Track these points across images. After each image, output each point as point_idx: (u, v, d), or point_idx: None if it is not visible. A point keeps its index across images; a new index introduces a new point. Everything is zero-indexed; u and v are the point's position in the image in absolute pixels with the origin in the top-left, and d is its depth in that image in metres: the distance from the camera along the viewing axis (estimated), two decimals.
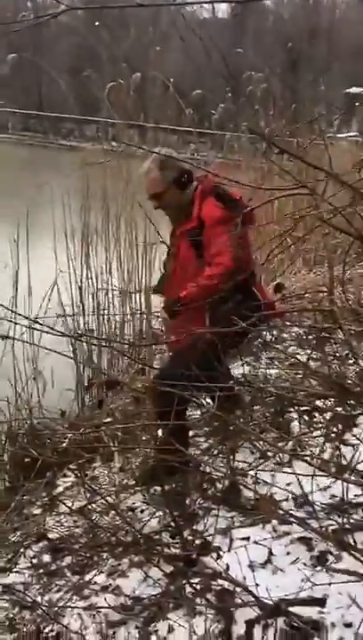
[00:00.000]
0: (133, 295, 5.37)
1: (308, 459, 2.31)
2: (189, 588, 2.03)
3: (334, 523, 2.14)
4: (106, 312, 5.12)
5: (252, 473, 2.54)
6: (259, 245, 3.52)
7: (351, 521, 2.13)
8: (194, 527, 2.42)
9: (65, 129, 30.20)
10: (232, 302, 2.58)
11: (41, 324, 2.61)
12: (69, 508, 2.81)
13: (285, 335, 4.55)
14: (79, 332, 4.73)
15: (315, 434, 2.77)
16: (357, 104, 19.29)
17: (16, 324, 3.36)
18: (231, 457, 2.67)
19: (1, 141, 26.01)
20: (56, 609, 2.19)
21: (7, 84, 32.03)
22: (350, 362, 3.32)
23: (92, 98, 6.95)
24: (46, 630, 2.09)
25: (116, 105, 6.28)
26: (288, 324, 4.28)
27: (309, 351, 3.50)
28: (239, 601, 1.90)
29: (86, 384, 4.50)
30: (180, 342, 2.72)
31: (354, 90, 23.03)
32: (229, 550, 2.21)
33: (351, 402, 2.12)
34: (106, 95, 6.54)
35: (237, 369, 3.55)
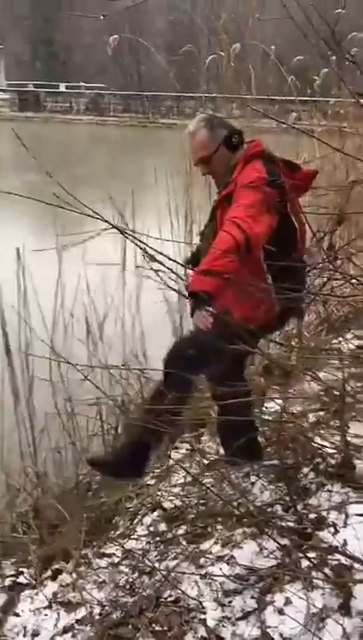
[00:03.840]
0: None
1: None
2: (305, 562, 2.02)
3: None
4: None
5: None
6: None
7: None
8: (307, 501, 2.41)
9: (164, 107, 30.42)
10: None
11: None
12: (185, 477, 2.88)
13: None
14: None
15: None
16: None
17: None
18: (345, 430, 2.61)
19: (102, 124, 26.62)
20: (173, 575, 2.26)
21: (107, 66, 32.65)
22: None
23: (192, 74, 6.89)
24: (165, 595, 2.16)
25: (216, 78, 6.21)
26: None
27: None
28: (358, 577, 1.87)
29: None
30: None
31: None
32: (344, 526, 2.17)
33: None
34: (205, 69, 6.47)
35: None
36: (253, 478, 2.76)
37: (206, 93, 6.89)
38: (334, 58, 3.97)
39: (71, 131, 27.59)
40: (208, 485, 2.72)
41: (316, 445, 2.62)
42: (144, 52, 31.47)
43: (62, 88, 35.31)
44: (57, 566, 2.54)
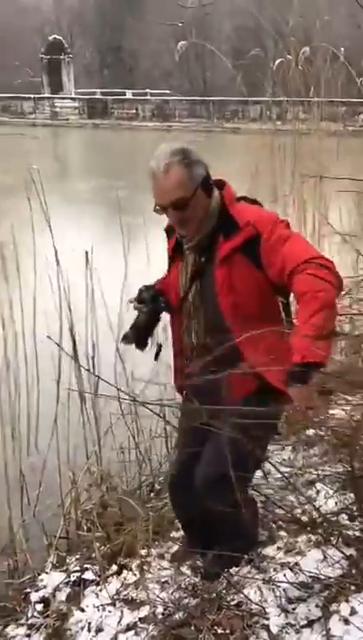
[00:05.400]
0: None
1: None
2: None
3: None
4: None
5: None
6: None
7: None
8: None
9: (229, 112, 30.45)
10: None
11: None
12: None
13: None
14: None
15: None
16: None
17: None
18: None
19: (168, 129, 26.90)
20: (236, 579, 2.26)
21: (172, 72, 32.99)
22: None
23: (257, 78, 6.89)
24: (228, 599, 2.16)
25: (283, 82, 6.18)
26: None
27: None
28: None
29: None
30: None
31: None
32: None
33: None
34: (272, 73, 6.44)
35: None
36: (318, 486, 2.73)
37: (272, 97, 6.87)
38: None
39: (137, 137, 28.05)
40: (269, 493, 2.70)
41: None
42: (210, 56, 31.63)
43: (128, 95, 35.90)
44: (122, 563, 2.57)
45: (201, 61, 36.62)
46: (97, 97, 36.18)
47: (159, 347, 2.28)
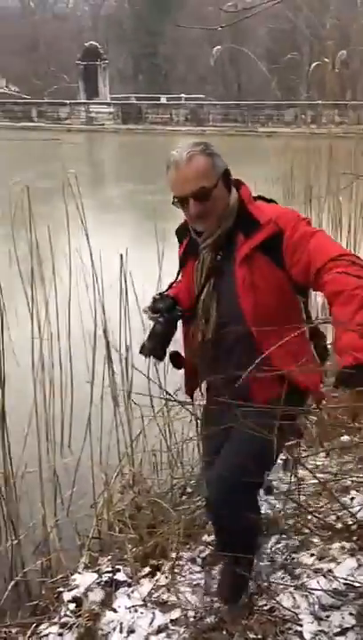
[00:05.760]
0: None
1: None
2: None
3: None
4: None
5: None
6: None
7: None
8: None
9: (263, 116, 30.34)
10: None
11: None
12: (276, 488, 2.86)
13: None
14: None
15: None
16: None
17: None
18: None
19: (202, 133, 26.90)
20: (268, 584, 2.24)
21: (206, 77, 33.05)
22: None
23: (293, 81, 6.86)
24: (260, 604, 2.15)
25: (319, 85, 6.15)
26: None
27: None
28: None
29: None
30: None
31: None
32: None
33: None
34: (308, 76, 6.42)
35: None
36: (352, 493, 2.69)
37: (308, 101, 6.84)
38: None
39: (171, 141, 28.19)
40: (302, 499, 2.68)
41: None
42: (245, 60, 31.57)
43: (163, 100, 36.06)
44: (154, 564, 2.58)
45: (236, 65, 36.57)
46: (131, 102, 36.47)
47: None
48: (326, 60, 5.40)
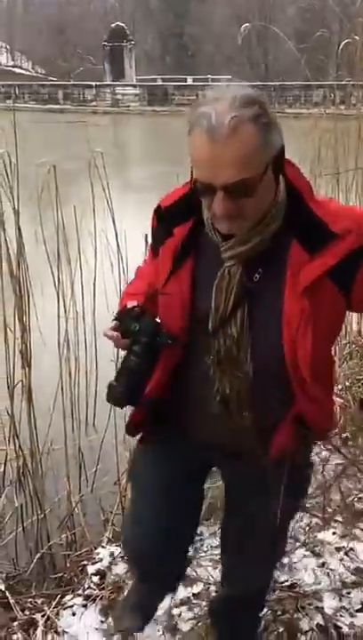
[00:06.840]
0: None
1: None
2: None
3: None
4: None
5: None
6: None
7: None
8: None
9: (291, 97, 29.94)
10: None
11: None
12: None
13: None
14: None
15: None
16: None
17: None
18: None
19: None
20: (289, 561, 2.26)
21: (233, 57, 32.68)
22: None
23: (322, 61, 6.73)
24: (281, 580, 2.17)
25: (349, 64, 6.02)
26: None
27: None
28: None
29: None
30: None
31: None
32: None
33: None
34: (337, 55, 6.29)
35: None
36: None
37: (337, 81, 6.71)
38: None
39: None
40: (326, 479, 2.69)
41: None
42: (273, 40, 31.11)
43: (189, 81, 35.78)
44: None
45: (263, 45, 36.08)
46: (158, 84, 36.25)
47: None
48: (357, 37, 5.27)
